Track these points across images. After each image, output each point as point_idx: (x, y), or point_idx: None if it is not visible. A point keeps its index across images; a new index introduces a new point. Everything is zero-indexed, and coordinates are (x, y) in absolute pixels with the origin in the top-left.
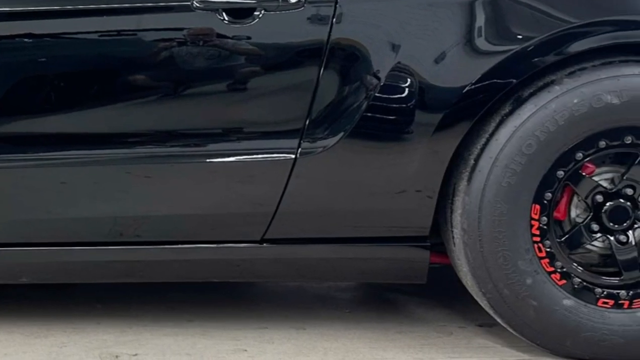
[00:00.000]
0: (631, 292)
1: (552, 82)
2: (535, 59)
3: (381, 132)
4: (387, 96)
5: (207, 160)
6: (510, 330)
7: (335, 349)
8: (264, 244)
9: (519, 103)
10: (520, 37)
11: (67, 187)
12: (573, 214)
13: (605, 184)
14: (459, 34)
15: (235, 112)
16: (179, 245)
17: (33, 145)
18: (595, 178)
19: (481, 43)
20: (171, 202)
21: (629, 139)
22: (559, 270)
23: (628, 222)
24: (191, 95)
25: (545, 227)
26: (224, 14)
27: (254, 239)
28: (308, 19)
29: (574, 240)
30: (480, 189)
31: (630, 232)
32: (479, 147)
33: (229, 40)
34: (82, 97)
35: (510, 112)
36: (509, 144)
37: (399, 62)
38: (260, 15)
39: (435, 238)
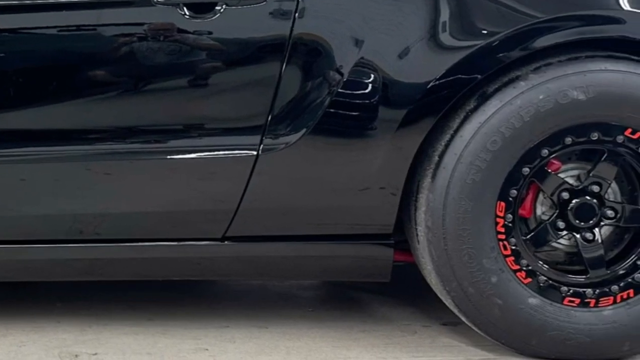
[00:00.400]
0: (597, 290)
1: (518, 78)
2: (500, 55)
3: (344, 128)
4: (350, 92)
5: (168, 156)
6: (475, 329)
7: (297, 348)
8: (226, 242)
9: (484, 99)
10: (485, 32)
11: (26, 184)
12: (539, 211)
13: (571, 181)
14: (423, 29)
15: (197, 108)
16: (140, 243)
17: None
18: (561, 175)
19: (445, 38)
20: (131, 199)
21: (595, 136)
22: (524, 268)
23: (594, 219)
24: (152, 91)
25: (510, 224)
26: (185, 8)
27: (215, 237)
28: (270, 13)
29: (540, 238)
30: (444, 186)
31: (596, 230)
32: (443, 143)
33: (190, 36)
34: (41, 93)
35: (475, 108)
36: (473, 141)
37: (362, 58)
38: (222, 10)
39: (399, 236)
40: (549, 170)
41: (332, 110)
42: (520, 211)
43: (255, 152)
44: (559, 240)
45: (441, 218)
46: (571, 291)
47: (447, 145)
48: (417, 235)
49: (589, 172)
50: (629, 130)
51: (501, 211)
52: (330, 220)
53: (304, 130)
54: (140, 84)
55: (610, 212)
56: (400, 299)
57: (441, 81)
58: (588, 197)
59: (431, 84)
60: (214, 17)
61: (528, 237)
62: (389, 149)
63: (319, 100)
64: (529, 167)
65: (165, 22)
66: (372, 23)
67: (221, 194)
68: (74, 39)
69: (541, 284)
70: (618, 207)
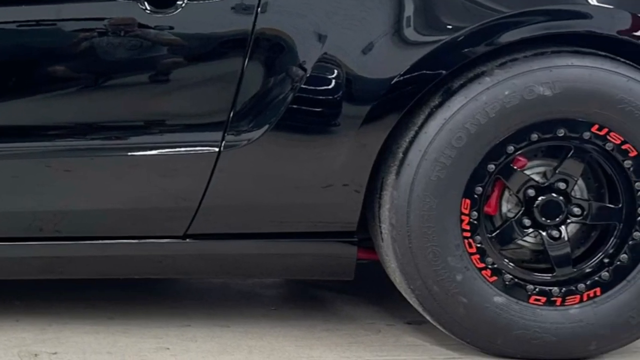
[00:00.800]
0: (564, 288)
1: (483, 74)
2: (466, 50)
3: (307, 124)
4: (313, 88)
5: (129, 153)
6: (440, 328)
7: (260, 347)
8: (187, 240)
9: (449, 95)
10: (450, 27)
11: None
12: (504, 208)
13: (537, 177)
14: (387, 24)
15: (158, 104)
16: (100, 241)
17: None
18: (527, 172)
19: (410, 33)
20: (92, 197)
21: (561, 132)
22: (489, 266)
23: (561, 217)
24: (112, 87)
25: (475, 222)
26: (145, 3)
27: (176, 235)
28: (232, 8)
29: (505, 235)
30: (409, 183)
31: (562, 228)
32: (407, 140)
33: (151, 31)
34: (0, 89)
35: (440, 104)
36: (438, 137)
37: (325, 53)
38: (183, 5)
39: (363, 233)
40: (515, 167)
41: (295, 106)
42: (486, 208)
43: (217, 149)
44: (524, 238)
45: (405, 215)
46: (537, 289)
47: (411, 142)
48: (381, 232)
49: (555, 169)
50: (596, 126)
51: (466, 208)
52: (293, 218)
53: (266, 127)
54: (100, 80)
55: (576, 210)
56: (364, 298)
57: (405, 77)
58: (554, 195)
59: (395, 79)
60: (175, 12)
61: (493, 234)
62: (353, 146)
63: (282, 96)
64: (495, 164)
65: (125, 17)
66: (335, 18)
67: (183, 191)
68: (34, 34)
69: (507, 282)
70: (585, 204)
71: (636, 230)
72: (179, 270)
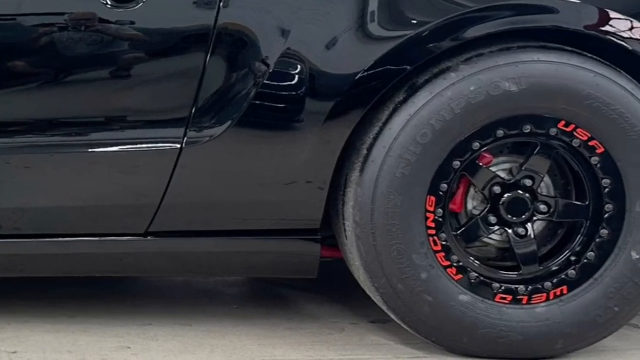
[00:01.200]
0: (530, 287)
1: (448, 69)
2: (431, 45)
3: (270, 120)
4: (276, 83)
5: (90, 150)
6: (405, 327)
7: (222, 347)
8: (149, 237)
9: (414, 91)
10: (415, 22)
11: None
12: (470, 206)
13: (503, 174)
14: (352, 19)
15: (119, 100)
16: (61, 239)
17: None
18: (493, 169)
19: (374, 28)
20: (52, 194)
21: (527, 128)
22: (455, 264)
23: (527, 214)
24: (73, 83)
25: (440, 219)
26: None
27: (138, 232)
28: (194, 3)
29: (471, 233)
30: (373, 180)
31: (529, 225)
32: (372, 136)
33: (112, 26)
34: None
35: (405, 100)
36: (403, 133)
37: (288, 48)
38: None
39: (327, 231)
40: (481, 164)
41: (257, 102)
42: (451, 206)
43: (179, 145)
44: (490, 236)
45: (370, 213)
46: (503, 288)
47: (376, 138)
48: (345, 230)
49: (521, 165)
50: (563, 122)
51: (431, 206)
52: (256, 215)
53: (229, 123)
54: (61, 76)
55: (543, 207)
56: (328, 296)
57: (370, 72)
58: (520, 192)
59: (359, 75)
60: (136, 7)
61: (459, 232)
62: (316, 142)
63: (245, 92)
64: (460, 161)
65: (86, 12)
66: (299, 13)
67: (144, 188)
68: None
69: (472, 281)
70: (551, 201)
71: (603, 228)
72: (141, 268)
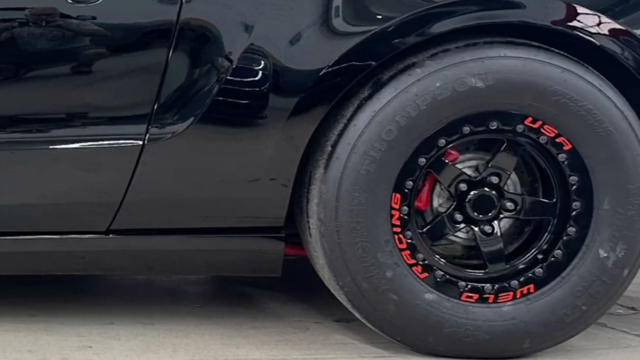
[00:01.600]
0: (496, 285)
1: (414, 65)
2: (396, 40)
3: (233, 117)
4: (239, 79)
5: (50, 146)
6: (370, 325)
7: (185, 346)
8: (110, 235)
9: (379, 86)
10: (379, 17)
11: None
12: (435, 203)
13: (469, 171)
14: (316, 14)
15: (80, 96)
16: (21, 237)
17: None
18: (459, 165)
19: (339, 24)
20: (12, 191)
21: (494, 125)
22: (420, 262)
23: (493, 212)
24: (33, 79)
25: (406, 217)
26: None
27: (99, 230)
28: None
29: (437, 231)
30: (337, 177)
31: (495, 223)
32: (336, 133)
33: (73, 21)
34: None
35: (370, 96)
36: (367, 130)
37: (252, 44)
38: None
39: (291, 229)
40: (446, 161)
41: (220, 98)
42: (417, 203)
43: (140, 142)
44: (456, 234)
45: (334, 210)
46: (469, 286)
47: (340, 135)
48: (309, 228)
49: (487, 162)
50: (529, 119)
51: (396, 203)
52: (219, 213)
53: (191, 119)
54: (21, 71)
55: (509, 204)
56: (292, 295)
57: (334, 68)
58: (487, 189)
59: (324, 71)
60: (97, 2)
61: (424, 230)
62: (280, 139)
63: (207, 88)
64: (426, 158)
65: (47, 7)
66: (262, 8)
67: (105, 186)
68: None
69: (438, 279)
70: (518, 199)
71: (570, 226)
72: (102, 266)
